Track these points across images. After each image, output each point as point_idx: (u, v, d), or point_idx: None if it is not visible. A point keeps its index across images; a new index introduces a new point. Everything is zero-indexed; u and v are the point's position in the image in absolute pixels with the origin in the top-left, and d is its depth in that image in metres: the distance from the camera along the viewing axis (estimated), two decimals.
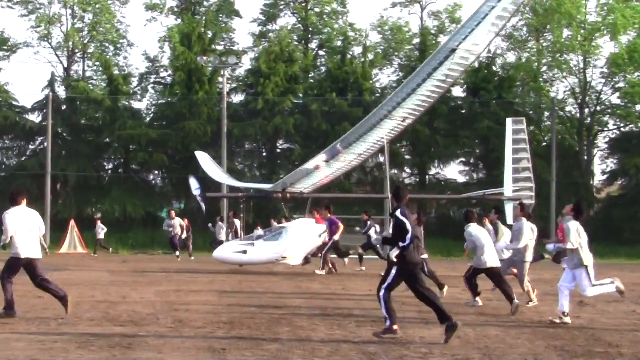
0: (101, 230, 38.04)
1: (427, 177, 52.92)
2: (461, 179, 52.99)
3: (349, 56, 53.34)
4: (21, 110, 52.88)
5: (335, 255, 26.25)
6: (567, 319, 13.20)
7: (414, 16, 63.69)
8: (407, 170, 54.20)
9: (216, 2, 56.31)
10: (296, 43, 55.77)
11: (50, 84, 52.78)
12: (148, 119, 53.79)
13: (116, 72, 53.19)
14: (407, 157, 52.72)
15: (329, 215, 25.72)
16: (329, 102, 49.64)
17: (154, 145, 50.13)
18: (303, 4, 56.11)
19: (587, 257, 13.22)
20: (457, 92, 53.57)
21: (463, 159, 52.95)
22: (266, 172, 51.04)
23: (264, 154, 53.56)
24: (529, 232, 16.17)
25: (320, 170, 27.87)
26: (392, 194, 12.49)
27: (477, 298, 15.93)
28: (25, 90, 68.52)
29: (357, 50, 55.14)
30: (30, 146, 53.38)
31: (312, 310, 14.84)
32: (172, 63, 53.17)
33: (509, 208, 30.96)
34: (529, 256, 16.26)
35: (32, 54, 72.01)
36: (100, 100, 50.47)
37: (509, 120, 33.98)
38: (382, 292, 11.53)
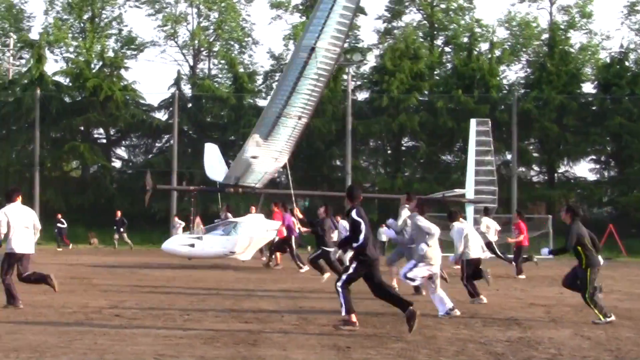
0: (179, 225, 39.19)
1: (555, 175, 51.78)
2: (591, 177, 51.63)
3: (475, 52, 52.65)
4: (148, 109, 54.31)
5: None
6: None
7: (542, 11, 62.35)
8: (536, 168, 53.11)
9: None
10: (422, 40, 55.47)
11: (177, 82, 54.05)
12: None
13: (241, 70, 54.03)
14: (535, 154, 51.65)
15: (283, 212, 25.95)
16: (454, 99, 49.10)
17: None
18: (429, 1, 55.80)
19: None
20: (588, 88, 52.28)
21: (594, 157, 51.51)
22: (391, 170, 50.95)
23: (389, 151, 53.42)
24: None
25: (259, 161, 27.42)
26: (346, 194, 12.53)
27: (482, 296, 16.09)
28: (152, 88, 70.27)
29: (483, 46, 54.37)
30: (156, 144, 54.76)
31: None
32: None
33: (470, 211, 31.48)
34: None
35: (159, 53, 73.92)
36: (226, 98, 51.36)
37: (472, 121, 33.81)
38: (339, 283, 11.86)
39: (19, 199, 14.14)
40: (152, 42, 57.76)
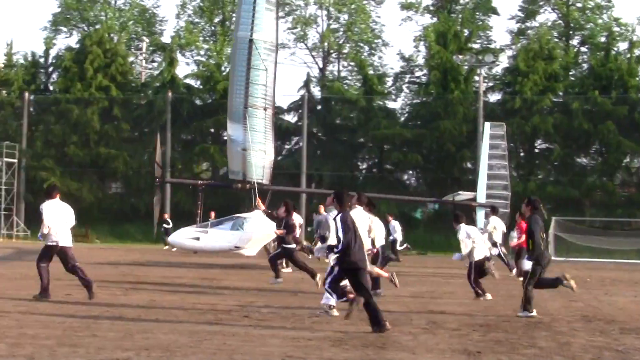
0: None
1: None
2: None
3: (613, 52, 51.15)
4: (278, 111, 54.88)
5: None
6: None
7: None
8: None
9: (473, 0, 55.94)
10: (556, 40, 54.30)
11: (306, 84, 54.50)
12: (403, 118, 54.25)
13: (371, 72, 54.07)
14: None
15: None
16: (591, 101, 47.86)
17: (409, 145, 50.51)
18: (564, 0, 54.57)
19: None
20: None
21: None
22: (524, 172, 50.04)
23: (522, 154, 52.45)
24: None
25: (249, 154, 27.75)
26: (335, 199, 12.22)
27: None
28: (281, 91, 70.98)
29: (622, 46, 52.79)
30: (286, 146, 55.28)
31: (573, 314, 14.31)
32: (427, 62, 53.39)
33: (480, 215, 30.65)
34: None
35: (288, 55, 74.62)
36: (355, 100, 51.50)
37: (487, 125, 32.90)
38: (327, 286, 12.28)
39: (58, 196, 15.12)
40: (281, 45, 58.48)
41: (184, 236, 26.32)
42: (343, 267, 11.82)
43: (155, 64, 59.61)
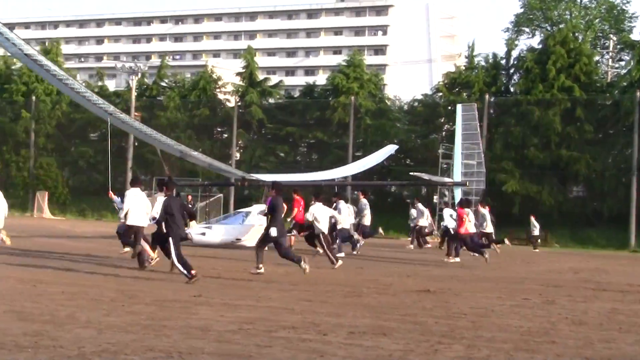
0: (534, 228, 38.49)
1: None
2: None
3: None
4: None
5: None
6: None
7: None
8: None
9: None
10: None
11: None
12: None
13: None
14: None
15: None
16: None
17: None
18: None
19: None
20: None
21: None
22: None
23: None
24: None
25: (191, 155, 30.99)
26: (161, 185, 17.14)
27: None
28: None
29: None
30: None
31: None
32: None
33: (457, 193, 33.08)
34: None
35: None
36: None
37: (459, 107, 34.63)
38: (175, 260, 16.25)
39: (140, 186, 19.35)
40: None
41: (193, 232, 27.31)
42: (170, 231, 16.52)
43: (622, 63, 57.77)
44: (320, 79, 74.91)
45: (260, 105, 56.76)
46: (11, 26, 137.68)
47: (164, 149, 30.03)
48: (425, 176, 40.44)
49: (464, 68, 56.65)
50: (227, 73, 66.65)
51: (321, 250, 21.86)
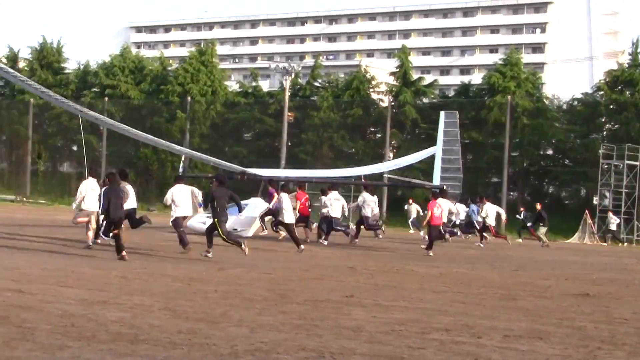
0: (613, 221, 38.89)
1: None
2: None
3: None
4: None
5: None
6: None
7: None
8: None
9: None
10: None
11: None
12: None
13: None
14: None
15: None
16: None
17: None
18: None
19: None
20: None
21: None
22: None
23: None
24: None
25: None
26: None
27: None
28: None
29: None
30: None
31: None
32: None
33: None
34: None
35: None
36: None
37: (442, 113, 36.19)
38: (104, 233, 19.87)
39: (183, 182, 22.57)
40: None
41: (196, 221, 30.00)
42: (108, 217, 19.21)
43: None
44: (476, 78, 74.13)
45: (414, 105, 56.61)
46: (167, 27, 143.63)
47: (145, 140, 32.34)
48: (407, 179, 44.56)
49: (627, 65, 54.94)
50: (381, 73, 66.76)
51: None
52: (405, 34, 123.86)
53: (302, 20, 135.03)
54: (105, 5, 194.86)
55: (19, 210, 44.96)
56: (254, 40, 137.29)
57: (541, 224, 38.32)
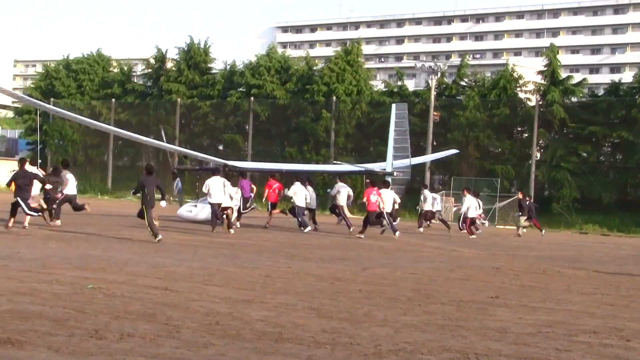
0: None
1: None
2: None
3: None
4: None
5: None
6: None
7: None
8: None
9: None
10: None
11: None
12: None
13: None
14: None
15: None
16: None
17: None
18: None
19: None
20: None
21: None
22: None
23: None
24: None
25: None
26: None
27: None
28: None
29: None
30: None
31: None
32: None
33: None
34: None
35: None
36: None
37: (393, 106, 38.67)
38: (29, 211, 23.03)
39: (219, 174, 27.77)
40: None
41: (184, 210, 33.53)
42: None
43: None
44: (627, 76, 71.89)
45: (562, 104, 55.29)
46: (313, 27, 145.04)
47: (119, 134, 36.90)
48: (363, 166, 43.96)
49: None
50: (528, 71, 65.54)
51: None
52: (554, 32, 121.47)
53: (449, 19, 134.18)
54: (251, 6, 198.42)
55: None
56: (399, 40, 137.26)
57: (520, 213, 38.38)
